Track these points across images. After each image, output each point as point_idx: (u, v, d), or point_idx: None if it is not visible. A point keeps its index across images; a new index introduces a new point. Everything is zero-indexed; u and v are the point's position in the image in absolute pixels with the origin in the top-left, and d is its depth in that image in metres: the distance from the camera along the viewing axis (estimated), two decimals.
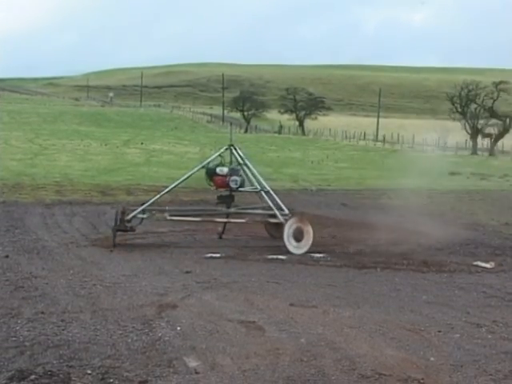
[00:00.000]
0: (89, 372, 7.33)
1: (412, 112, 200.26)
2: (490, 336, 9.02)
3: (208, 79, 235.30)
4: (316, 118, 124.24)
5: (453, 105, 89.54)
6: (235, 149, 16.58)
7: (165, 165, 41.53)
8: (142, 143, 63.76)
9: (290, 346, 8.31)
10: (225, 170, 16.24)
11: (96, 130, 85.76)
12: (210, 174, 16.17)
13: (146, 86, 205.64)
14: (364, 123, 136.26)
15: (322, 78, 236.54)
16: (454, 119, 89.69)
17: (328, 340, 8.54)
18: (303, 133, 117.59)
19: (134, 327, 8.91)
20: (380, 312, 10.06)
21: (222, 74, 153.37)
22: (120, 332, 8.70)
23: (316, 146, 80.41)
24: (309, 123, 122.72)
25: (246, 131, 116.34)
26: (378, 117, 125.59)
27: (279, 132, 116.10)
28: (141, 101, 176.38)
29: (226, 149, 16.58)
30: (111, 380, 7.17)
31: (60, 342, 8.27)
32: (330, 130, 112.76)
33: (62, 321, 9.12)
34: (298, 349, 8.20)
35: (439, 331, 9.12)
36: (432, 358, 8.03)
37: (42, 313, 9.49)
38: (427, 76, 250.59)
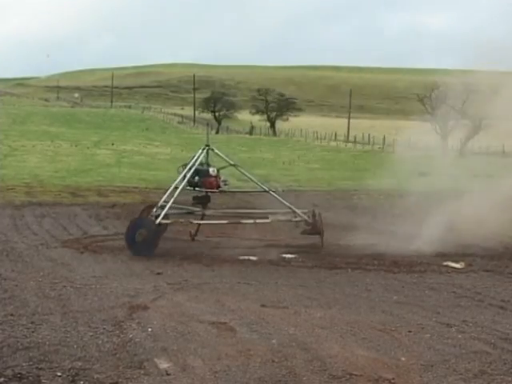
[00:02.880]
0: (59, 374, 7.29)
1: (382, 113, 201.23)
2: (460, 336, 9.08)
3: (179, 80, 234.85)
4: (287, 119, 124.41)
5: (423, 106, 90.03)
6: (213, 150, 16.53)
7: (135, 166, 41.38)
8: (112, 144, 63.46)
9: (262, 346, 8.32)
10: (215, 170, 16.25)
11: (66, 131, 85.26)
12: (202, 175, 16.05)
13: (116, 87, 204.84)
14: (335, 124, 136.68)
15: (294, 79, 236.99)
16: (424, 120, 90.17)
17: (299, 341, 8.56)
18: (274, 134, 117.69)
19: (104, 329, 8.87)
20: (351, 312, 10.10)
21: (193, 75, 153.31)
22: (90, 334, 8.66)
23: (287, 146, 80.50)
24: (280, 124, 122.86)
25: (217, 132, 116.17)
26: (349, 117, 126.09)
27: (250, 133, 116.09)
28: (111, 101, 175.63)
29: (203, 149, 16.54)
30: (82, 382, 7.13)
31: (30, 344, 8.21)
32: (301, 130, 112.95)
33: (32, 323, 9.06)
34: (270, 350, 8.21)
35: (410, 331, 9.18)
36: (403, 358, 8.07)
37: (12, 315, 9.42)
38: (398, 77, 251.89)
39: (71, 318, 9.37)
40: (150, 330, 8.87)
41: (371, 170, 48.25)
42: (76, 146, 58.29)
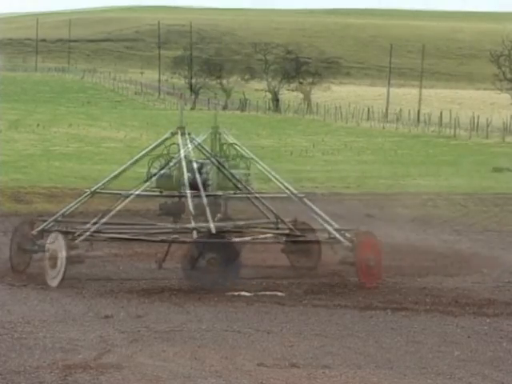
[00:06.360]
0: None
1: (439, 79, 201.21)
2: None
3: (137, 30, 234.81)
4: (297, 89, 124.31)
5: (499, 68, 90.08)
6: (188, 134, 16.50)
7: (72, 157, 41.33)
8: (38, 125, 63.41)
9: None
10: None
11: None
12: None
13: (43, 40, 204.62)
14: (368, 95, 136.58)
15: (306, 29, 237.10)
16: (500, 89, 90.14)
17: None
18: (278, 109, 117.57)
19: None
20: (392, 375, 10.08)
21: (158, 23, 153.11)
22: None
23: (297, 129, 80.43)
24: (287, 96, 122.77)
25: (193, 107, 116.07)
26: (389, 85, 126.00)
27: (242, 108, 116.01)
28: (36, 62, 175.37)
29: (173, 134, 16.48)
30: None
31: None
32: (317, 104, 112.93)
33: None
34: None
35: None
36: None
37: None
38: (461, 25, 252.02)
39: None
40: None
41: (420, 164, 48.24)
42: None
